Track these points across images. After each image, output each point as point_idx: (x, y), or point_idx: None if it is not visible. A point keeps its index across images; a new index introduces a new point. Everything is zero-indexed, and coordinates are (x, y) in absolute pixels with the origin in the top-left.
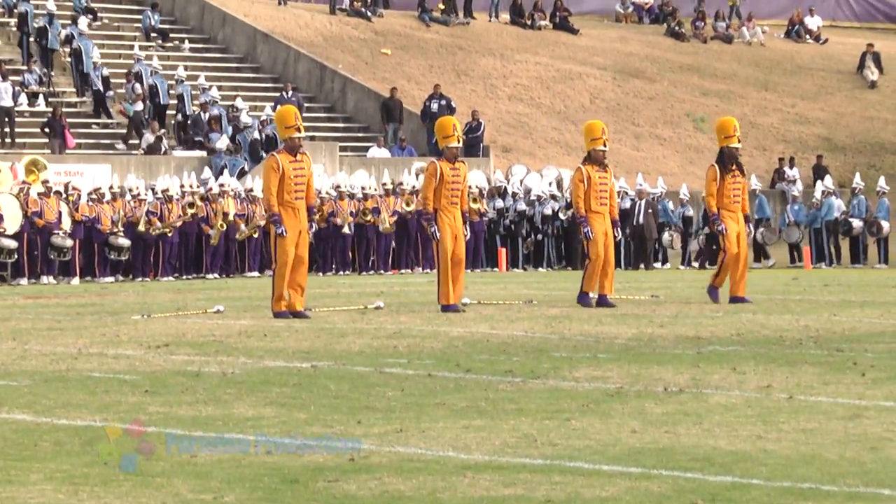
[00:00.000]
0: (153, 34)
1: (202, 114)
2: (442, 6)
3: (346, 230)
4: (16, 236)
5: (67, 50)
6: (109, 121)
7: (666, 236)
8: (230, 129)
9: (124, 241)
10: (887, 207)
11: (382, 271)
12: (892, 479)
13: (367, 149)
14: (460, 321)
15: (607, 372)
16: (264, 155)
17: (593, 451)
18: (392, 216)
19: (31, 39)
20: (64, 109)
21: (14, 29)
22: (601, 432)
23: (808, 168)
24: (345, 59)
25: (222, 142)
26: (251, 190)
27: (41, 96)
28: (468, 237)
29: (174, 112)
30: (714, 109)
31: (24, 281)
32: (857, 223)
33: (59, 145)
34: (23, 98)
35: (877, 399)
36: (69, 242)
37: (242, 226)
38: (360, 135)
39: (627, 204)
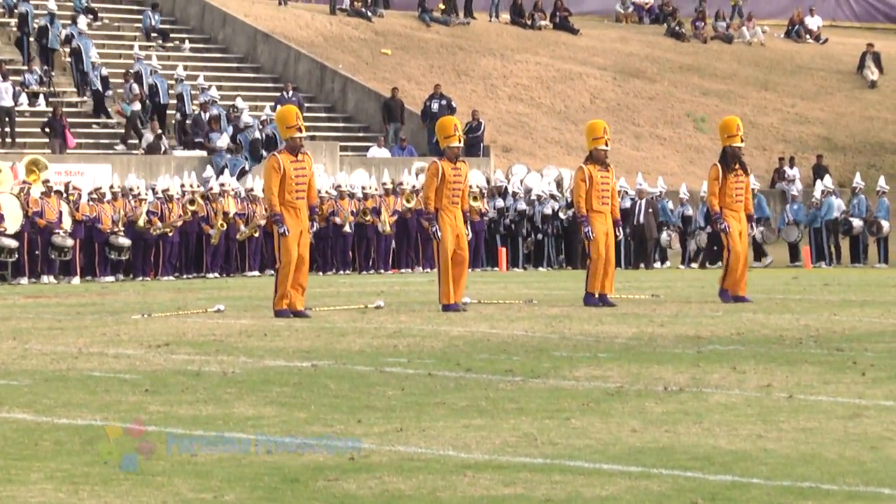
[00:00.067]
0: (153, 34)
1: (202, 114)
2: (442, 6)
3: (346, 229)
4: (16, 236)
5: (67, 50)
6: (109, 120)
7: (664, 236)
8: (230, 128)
9: (125, 241)
10: (887, 207)
11: (382, 271)
12: (891, 478)
13: (367, 149)
14: (460, 321)
15: (607, 371)
16: (265, 154)
17: (593, 450)
18: (392, 216)
19: (32, 39)
20: (64, 109)
21: (14, 29)
22: (601, 431)
23: (808, 168)
24: (345, 59)
25: (223, 140)
26: (251, 189)
27: (41, 96)
28: (470, 237)
29: (174, 112)
30: (714, 109)
31: (24, 280)
32: (857, 223)
33: (60, 145)
34: (23, 98)
35: (877, 398)
36: (70, 242)
37: (242, 226)
38: (360, 135)
39: (627, 204)
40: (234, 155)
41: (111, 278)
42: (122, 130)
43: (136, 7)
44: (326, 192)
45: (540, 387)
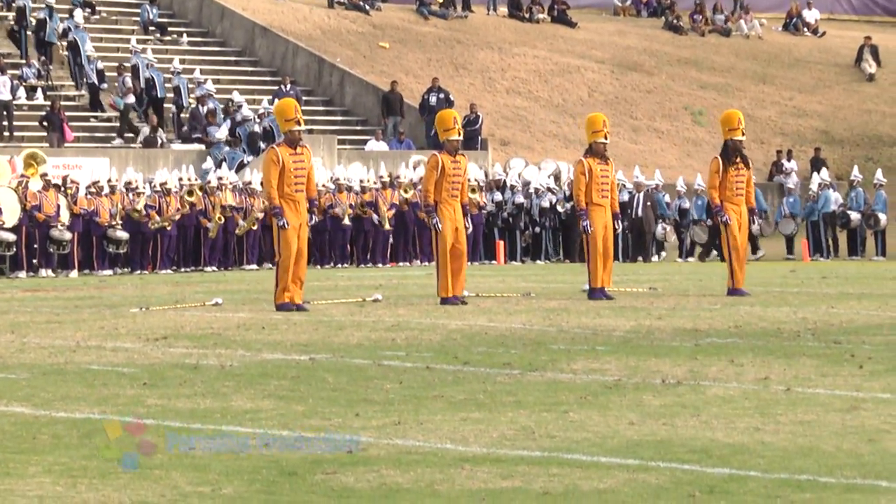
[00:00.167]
0: (151, 28)
1: (199, 107)
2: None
3: (346, 222)
4: (14, 229)
5: (65, 43)
6: (107, 114)
7: (659, 229)
8: (228, 122)
9: (122, 234)
10: (884, 200)
11: (381, 264)
12: (889, 470)
13: (365, 142)
14: (458, 314)
15: (605, 364)
16: (263, 147)
17: (591, 443)
18: (390, 209)
19: (29, 33)
20: (62, 103)
21: (12, 23)
22: (599, 424)
23: (805, 161)
24: (343, 52)
25: (222, 132)
26: (249, 183)
27: (39, 90)
28: (469, 230)
29: (171, 105)
30: (712, 102)
31: (22, 274)
32: (854, 216)
33: (58, 139)
34: (21, 92)
35: (874, 391)
36: (68, 235)
37: (241, 221)
38: (358, 128)
39: (625, 197)
40: (233, 148)
41: (109, 272)
42: (118, 124)
43: (133, 0)
44: (324, 186)
45: (538, 380)
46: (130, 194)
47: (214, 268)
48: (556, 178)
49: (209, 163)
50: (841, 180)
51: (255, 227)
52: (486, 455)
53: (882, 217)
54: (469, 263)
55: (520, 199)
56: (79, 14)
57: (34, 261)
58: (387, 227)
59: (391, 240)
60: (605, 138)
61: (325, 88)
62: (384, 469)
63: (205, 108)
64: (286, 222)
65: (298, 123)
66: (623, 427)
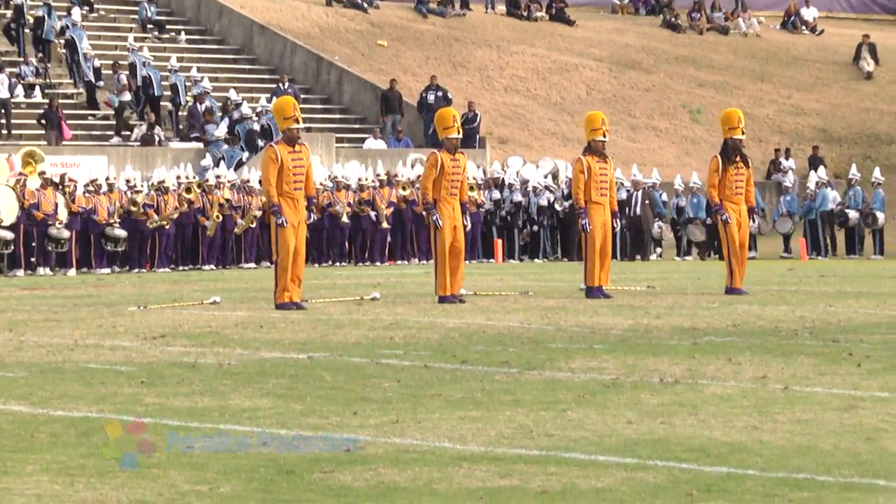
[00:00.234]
0: (150, 26)
1: (197, 105)
2: None
3: (344, 219)
4: (12, 227)
5: (62, 41)
6: (105, 112)
7: (655, 228)
8: (226, 120)
9: (120, 232)
10: (882, 198)
11: (379, 263)
12: (886, 469)
13: (363, 140)
14: (456, 312)
15: (603, 363)
16: (261, 145)
17: (589, 441)
18: (388, 207)
19: (27, 31)
20: (60, 101)
21: (10, 21)
22: (597, 423)
23: (803, 159)
24: (341, 50)
25: (220, 130)
26: (247, 181)
27: (38, 88)
28: (468, 228)
29: (168, 103)
30: (710, 101)
31: (20, 272)
32: (853, 214)
33: (56, 137)
34: (19, 90)
35: (872, 390)
36: (66, 234)
37: (239, 220)
38: (356, 126)
39: (623, 195)
40: (231, 146)
41: (107, 270)
42: (115, 122)
43: None
44: (321, 184)
45: (536, 378)
46: (129, 192)
47: (212, 266)
48: (555, 176)
49: (208, 160)
50: (839, 179)
51: (253, 226)
52: (484, 454)
53: (880, 215)
54: (467, 262)
55: (518, 197)
56: (76, 12)
57: (32, 259)
58: (384, 224)
59: (389, 238)
60: (604, 136)
61: (324, 86)
62: (382, 468)
63: (202, 107)
64: (285, 221)
65: (297, 122)
66: (621, 426)
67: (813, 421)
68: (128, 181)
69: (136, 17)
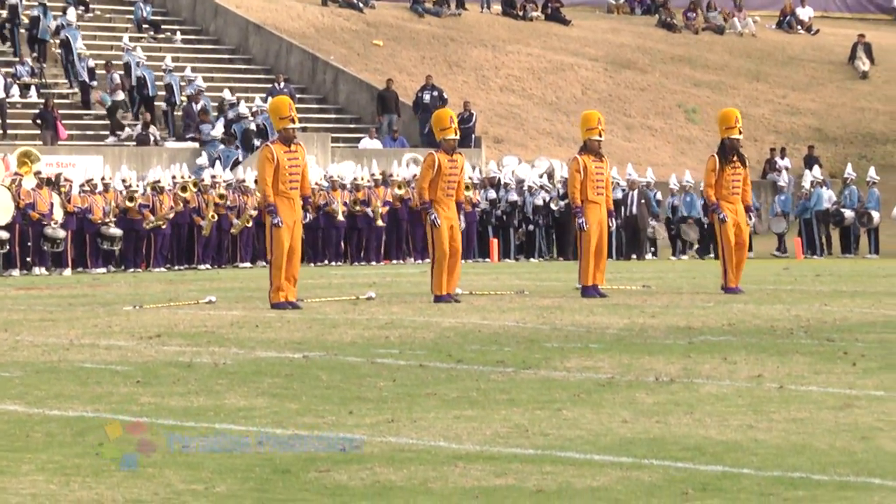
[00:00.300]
0: (145, 25)
1: (193, 105)
2: None
3: (340, 217)
4: (7, 227)
5: (57, 41)
6: (100, 112)
7: (649, 228)
8: (222, 119)
9: (116, 231)
10: (877, 198)
11: (374, 262)
12: (882, 468)
13: (358, 140)
14: (452, 312)
15: (599, 362)
16: (257, 145)
17: (584, 440)
18: (384, 206)
19: (23, 31)
20: (56, 101)
21: (4, 20)
22: (592, 422)
23: (799, 159)
24: (337, 50)
25: (217, 130)
26: (243, 181)
27: (33, 88)
28: (463, 228)
29: (162, 103)
30: (706, 100)
31: (16, 272)
32: (848, 214)
33: (52, 137)
34: (15, 89)
35: (867, 389)
36: (62, 234)
37: (235, 219)
38: (351, 126)
39: (619, 194)
40: (227, 146)
41: (103, 270)
42: (106, 121)
43: None
44: (317, 184)
45: (531, 378)
46: (125, 192)
47: (208, 266)
48: (550, 175)
49: (203, 158)
50: (834, 178)
51: (249, 225)
52: (480, 453)
53: (875, 215)
54: (462, 261)
55: (513, 196)
56: (72, 12)
57: (28, 259)
58: (379, 222)
59: (384, 237)
60: (600, 136)
61: (319, 86)
62: (377, 467)
63: (198, 106)
64: (280, 220)
65: (293, 121)
66: (616, 425)
67: (808, 420)
68: (123, 181)
69: (131, 17)
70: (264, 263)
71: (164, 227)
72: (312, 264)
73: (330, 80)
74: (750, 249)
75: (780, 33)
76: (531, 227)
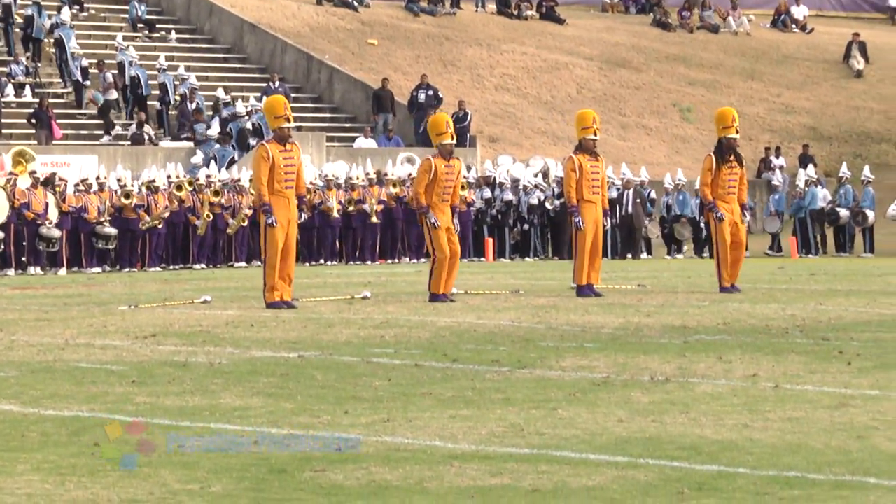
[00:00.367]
0: (140, 25)
1: (188, 104)
2: None
3: (335, 213)
4: (2, 227)
5: (52, 40)
6: (93, 111)
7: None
8: (216, 119)
9: (111, 230)
10: (872, 196)
11: (369, 261)
12: (877, 467)
13: (353, 139)
14: (447, 311)
15: (594, 361)
16: (252, 144)
17: (580, 440)
18: (378, 204)
19: (17, 30)
20: (50, 100)
21: None
22: (588, 422)
23: (794, 158)
24: (331, 49)
25: (214, 129)
26: (238, 180)
27: (28, 87)
28: (457, 230)
29: (156, 102)
30: (700, 99)
31: (11, 271)
32: (844, 213)
33: (46, 136)
34: (9, 89)
35: (862, 388)
36: (57, 233)
37: (230, 220)
38: (346, 125)
39: (614, 194)
40: (223, 145)
41: (98, 269)
42: (99, 120)
43: None
44: (311, 183)
45: (527, 377)
46: (120, 191)
47: (203, 265)
48: (545, 174)
49: (198, 157)
50: (829, 177)
51: (244, 224)
52: (475, 452)
53: (870, 214)
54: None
55: (509, 196)
56: (66, 11)
57: (23, 258)
58: (374, 219)
59: (380, 237)
60: (595, 135)
61: (314, 85)
62: (373, 466)
63: (192, 105)
64: (275, 220)
65: (288, 120)
66: (612, 424)
67: (804, 419)
68: (119, 180)
69: (126, 16)
70: (259, 263)
71: (160, 226)
72: (308, 264)
73: (325, 80)
74: (746, 248)
75: (775, 32)
76: (526, 227)
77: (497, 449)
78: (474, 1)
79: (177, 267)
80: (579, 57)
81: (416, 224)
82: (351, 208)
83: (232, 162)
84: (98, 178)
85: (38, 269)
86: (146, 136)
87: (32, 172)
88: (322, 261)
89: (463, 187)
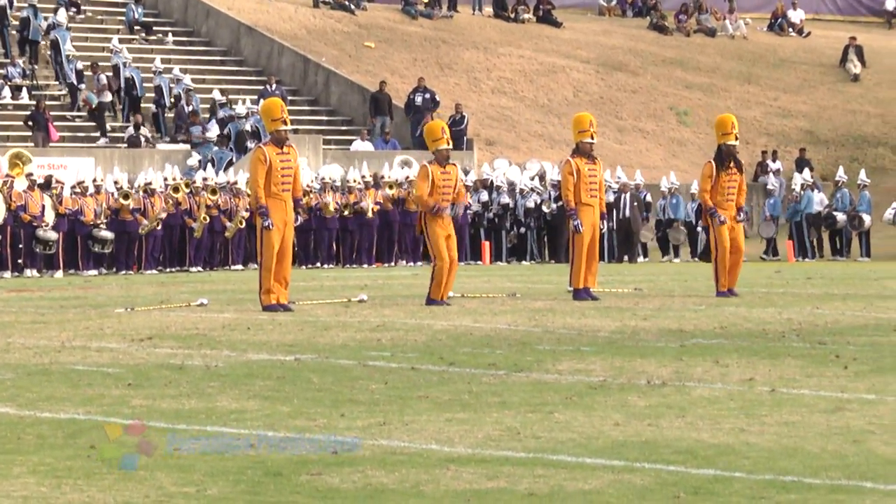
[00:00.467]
0: (136, 27)
1: (185, 106)
2: None
3: (332, 209)
4: None
5: (47, 42)
6: (86, 113)
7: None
8: (213, 120)
9: (107, 234)
10: (868, 200)
11: (366, 264)
12: (873, 471)
13: (350, 142)
14: (444, 314)
15: (590, 365)
16: (250, 146)
17: (576, 444)
18: (375, 205)
19: (14, 32)
20: (47, 102)
21: None
22: (584, 425)
23: (790, 161)
24: (328, 52)
25: (213, 131)
26: (235, 183)
27: (24, 89)
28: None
29: (152, 104)
30: (697, 103)
31: (7, 274)
32: (841, 217)
33: (43, 138)
34: (6, 91)
35: (859, 392)
36: (53, 235)
37: (227, 222)
38: (343, 128)
39: (611, 197)
40: (221, 147)
41: (94, 272)
42: (91, 122)
43: (119, 0)
44: (308, 186)
45: (523, 380)
46: (116, 193)
47: (200, 268)
48: (541, 178)
49: (194, 159)
50: (826, 181)
51: (242, 226)
52: (472, 456)
53: (866, 218)
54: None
55: (505, 199)
56: (62, 13)
57: (19, 261)
58: (370, 214)
59: (376, 240)
60: (592, 138)
61: (311, 88)
62: (369, 469)
63: (189, 108)
64: (271, 223)
65: (285, 123)
66: (608, 428)
67: (800, 423)
68: (115, 182)
69: (123, 18)
70: (255, 266)
71: (158, 227)
72: (304, 266)
73: (321, 82)
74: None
75: (772, 36)
76: (523, 230)
77: (493, 452)
78: (471, 4)
79: (173, 270)
80: (576, 60)
81: (410, 226)
82: (346, 212)
83: (230, 164)
84: (95, 180)
85: (35, 272)
86: (142, 139)
87: (29, 175)
88: (318, 263)
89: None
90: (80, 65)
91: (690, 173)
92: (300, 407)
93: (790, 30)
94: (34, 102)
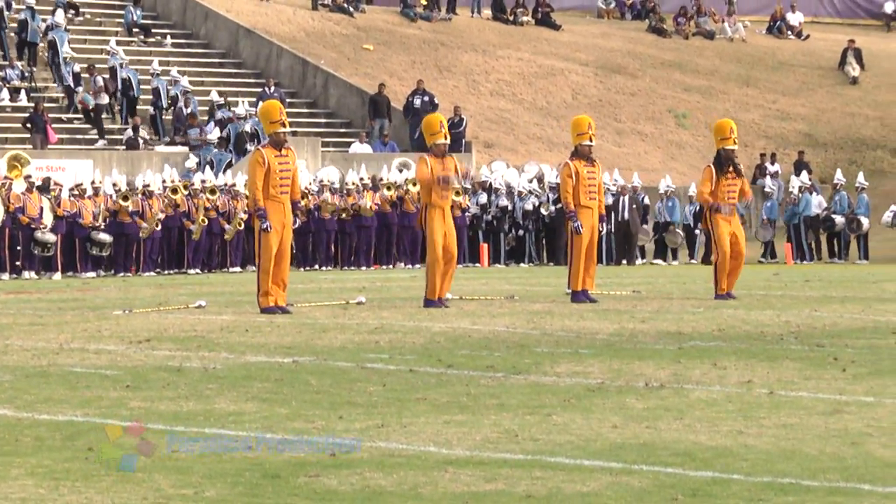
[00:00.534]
0: (135, 29)
1: (183, 108)
2: (424, 2)
3: (330, 204)
4: None
5: (45, 44)
6: (82, 116)
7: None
8: (212, 122)
9: (105, 237)
10: (867, 203)
11: (364, 266)
12: (871, 474)
13: (349, 144)
14: (442, 316)
15: (588, 367)
16: (249, 148)
17: (574, 446)
18: (374, 205)
19: (12, 34)
20: (46, 105)
21: None
22: (582, 427)
23: (789, 164)
24: (327, 54)
25: (213, 134)
26: (233, 185)
27: (23, 91)
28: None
29: (149, 106)
30: (696, 105)
31: (5, 276)
32: (839, 219)
33: (41, 140)
34: (4, 93)
35: (857, 394)
36: (52, 238)
37: (226, 225)
38: (342, 130)
39: (610, 200)
40: (220, 149)
41: (92, 274)
42: (88, 125)
43: (117, 2)
44: (306, 188)
45: (521, 383)
46: (115, 195)
47: (198, 270)
48: (539, 180)
49: (191, 161)
50: (824, 183)
51: (240, 228)
52: (470, 458)
53: (864, 221)
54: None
55: (504, 201)
56: (60, 14)
57: (17, 263)
58: (368, 213)
59: (374, 242)
60: (591, 140)
61: (310, 90)
62: (367, 472)
63: (188, 110)
64: (269, 225)
65: (283, 125)
66: (606, 430)
67: (798, 425)
68: (114, 184)
69: (121, 20)
70: (254, 268)
71: (157, 228)
72: (302, 268)
73: (320, 85)
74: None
75: (771, 38)
76: (521, 232)
77: (491, 455)
78: (470, 6)
79: (171, 272)
80: (575, 63)
81: (409, 228)
82: (344, 215)
83: (229, 165)
84: (93, 182)
85: (33, 274)
86: (141, 141)
87: (27, 177)
88: (317, 266)
89: (457, 193)
90: (77, 67)
91: (689, 176)
92: (298, 409)
93: (789, 32)
94: (32, 104)
